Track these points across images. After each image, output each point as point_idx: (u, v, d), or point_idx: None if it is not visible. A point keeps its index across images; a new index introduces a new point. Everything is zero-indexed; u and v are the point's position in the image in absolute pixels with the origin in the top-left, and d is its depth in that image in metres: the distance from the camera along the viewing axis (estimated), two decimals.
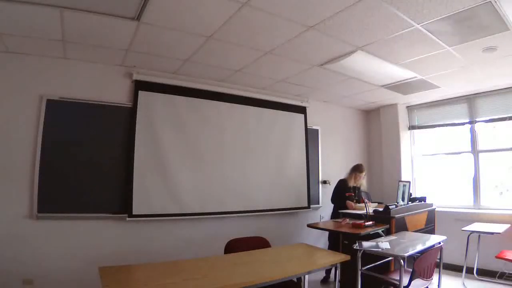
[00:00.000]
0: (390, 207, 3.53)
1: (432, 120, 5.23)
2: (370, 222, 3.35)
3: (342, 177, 4.34)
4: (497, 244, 3.83)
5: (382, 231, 3.35)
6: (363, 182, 4.29)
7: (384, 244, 2.72)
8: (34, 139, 3.15)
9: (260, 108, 4.51)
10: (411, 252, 2.58)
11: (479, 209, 4.47)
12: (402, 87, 4.36)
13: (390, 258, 3.01)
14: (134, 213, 3.48)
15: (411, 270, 2.50)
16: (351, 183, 4.19)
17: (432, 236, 3.42)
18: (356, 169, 4.24)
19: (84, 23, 2.61)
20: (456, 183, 4.88)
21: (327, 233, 4.09)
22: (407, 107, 5.51)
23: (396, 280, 2.50)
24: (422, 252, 2.60)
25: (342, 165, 5.49)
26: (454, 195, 4.83)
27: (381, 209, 3.59)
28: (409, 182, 4.15)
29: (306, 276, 2.56)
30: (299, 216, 4.77)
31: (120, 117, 3.56)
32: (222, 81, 4.17)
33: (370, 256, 2.72)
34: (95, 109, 3.42)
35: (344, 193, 4.11)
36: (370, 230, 3.25)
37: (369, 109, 5.87)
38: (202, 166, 3.96)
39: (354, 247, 2.69)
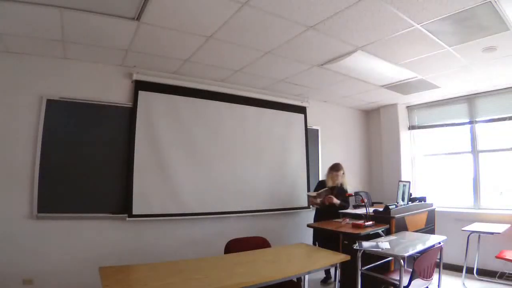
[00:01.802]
0: (390, 207, 3.53)
1: (432, 120, 5.23)
2: (370, 222, 3.35)
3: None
4: (497, 244, 3.83)
5: (382, 231, 3.34)
6: (344, 180, 4.16)
7: (384, 244, 2.72)
8: (34, 139, 3.15)
9: (260, 108, 4.51)
10: (411, 252, 2.58)
11: (479, 209, 4.47)
12: (402, 87, 4.36)
13: (390, 258, 3.01)
14: (134, 213, 3.48)
15: (411, 270, 2.50)
16: (329, 183, 4.09)
17: (432, 236, 3.42)
18: (332, 169, 4.16)
19: (84, 23, 2.61)
20: (456, 183, 4.88)
21: None
22: (407, 107, 5.51)
23: (396, 280, 2.50)
24: (422, 252, 2.60)
25: (342, 165, 5.49)
26: (454, 195, 4.83)
27: (381, 209, 3.59)
28: (409, 182, 4.14)
29: (306, 276, 2.56)
30: (299, 216, 4.76)
31: (120, 117, 3.56)
32: (222, 81, 4.18)
33: (370, 256, 2.72)
34: (95, 109, 3.42)
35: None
36: (370, 230, 3.25)
37: (369, 109, 5.87)
38: (202, 166, 3.96)
39: (354, 247, 2.69)
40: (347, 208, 4.04)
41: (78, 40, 2.95)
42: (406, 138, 5.48)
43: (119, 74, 3.62)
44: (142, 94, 3.66)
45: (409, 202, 4.00)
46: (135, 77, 3.63)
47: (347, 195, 4.02)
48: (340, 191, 4.06)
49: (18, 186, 3.07)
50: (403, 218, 3.58)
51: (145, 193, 3.56)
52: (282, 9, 2.41)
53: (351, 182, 5.55)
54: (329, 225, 3.70)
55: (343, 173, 4.16)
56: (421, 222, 3.89)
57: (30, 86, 3.18)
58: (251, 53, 3.27)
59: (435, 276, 2.74)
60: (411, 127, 5.50)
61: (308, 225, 3.76)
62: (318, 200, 3.99)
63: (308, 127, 4.98)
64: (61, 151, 3.24)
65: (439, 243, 2.99)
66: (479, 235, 3.88)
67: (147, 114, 3.67)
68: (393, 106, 5.44)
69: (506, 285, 3.71)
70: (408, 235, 3.32)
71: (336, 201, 3.93)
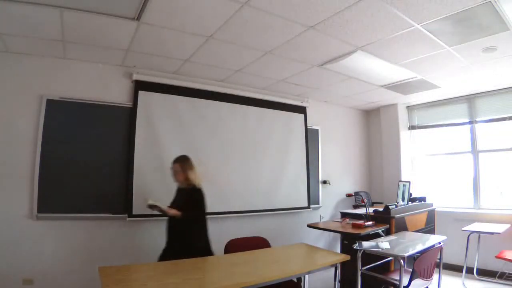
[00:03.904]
0: (390, 207, 3.54)
1: (432, 120, 5.23)
2: (370, 222, 3.35)
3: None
4: (497, 244, 3.84)
5: (382, 231, 3.35)
6: (192, 177, 2.86)
7: (384, 244, 2.73)
8: (34, 139, 3.15)
9: (260, 108, 4.50)
10: (411, 252, 2.58)
11: (479, 209, 4.47)
12: (402, 87, 4.36)
13: (390, 258, 3.01)
14: (134, 213, 3.48)
15: (411, 270, 2.50)
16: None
17: (432, 236, 3.42)
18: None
19: (84, 23, 2.61)
20: (456, 183, 4.88)
21: (326, 233, 4.07)
22: (407, 107, 5.51)
23: (396, 280, 2.50)
24: (422, 252, 2.60)
25: (343, 165, 5.50)
26: (454, 195, 4.83)
27: (381, 209, 3.59)
28: (409, 182, 4.15)
29: (306, 276, 2.56)
30: (299, 216, 4.76)
31: (120, 117, 3.56)
32: (222, 81, 4.18)
33: (370, 256, 2.72)
34: (95, 109, 3.42)
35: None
36: (370, 230, 3.25)
37: (369, 109, 5.87)
38: (201, 166, 3.93)
39: (354, 247, 2.69)
40: (197, 222, 2.80)
41: (78, 40, 2.95)
42: (406, 138, 5.47)
43: (119, 74, 3.61)
44: (142, 94, 3.66)
45: (409, 202, 4.00)
46: (135, 77, 3.63)
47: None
48: (187, 194, 2.83)
49: (18, 186, 3.07)
50: (403, 218, 3.58)
51: (145, 193, 3.55)
52: (282, 9, 2.41)
53: (351, 182, 5.57)
54: (330, 225, 3.70)
55: (185, 168, 2.87)
56: (421, 222, 3.90)
57: (30, 86, 3.18)
58: (251, 53, 3.27)
59: (435, 276, 2.74)
60: (411, 127, 5.50)
61: (308, 225, 3.76)
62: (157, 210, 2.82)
63: (308, 127, 4.98)
64: (61, 151, 3.24)
65: (439, 243, 3.00)
66: (479, 235, 3.88)
67: (147, 114, 3.67)
68: (393, 106, 5.44)
69: (506, 285, 3.72)
70: (408, 235, 3.32)
71: (174, 212, 2.72)
